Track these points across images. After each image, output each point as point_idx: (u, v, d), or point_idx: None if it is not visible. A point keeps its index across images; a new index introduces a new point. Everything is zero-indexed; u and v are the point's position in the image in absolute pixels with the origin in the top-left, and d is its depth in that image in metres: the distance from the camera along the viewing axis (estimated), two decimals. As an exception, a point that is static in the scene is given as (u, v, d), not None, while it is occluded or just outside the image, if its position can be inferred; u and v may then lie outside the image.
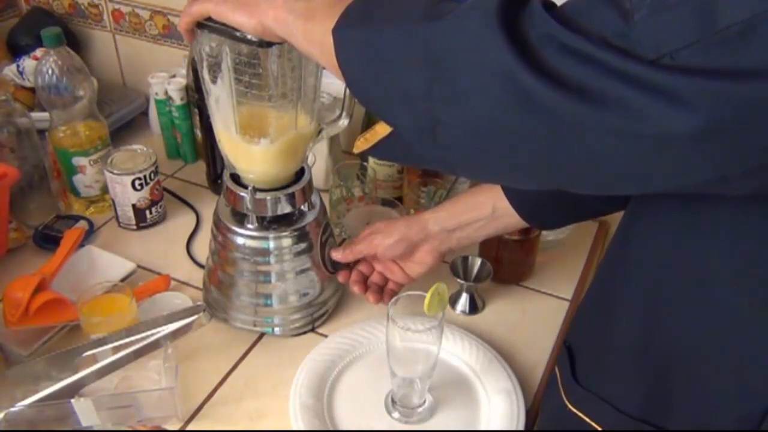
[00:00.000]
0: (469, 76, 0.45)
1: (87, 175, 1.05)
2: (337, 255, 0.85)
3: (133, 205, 1.02)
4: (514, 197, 0.78)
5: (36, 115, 1.05)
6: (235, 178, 0.81)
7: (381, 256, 0.83)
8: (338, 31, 0.53)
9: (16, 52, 1.28)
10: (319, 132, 0.81)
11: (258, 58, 0.68)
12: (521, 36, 0.42)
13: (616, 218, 1.12)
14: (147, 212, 1.04)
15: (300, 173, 0.83)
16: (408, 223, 0.82)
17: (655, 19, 0.39)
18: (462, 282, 0.90)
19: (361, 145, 0.61)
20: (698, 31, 0.38)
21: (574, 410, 0.65)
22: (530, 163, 0.48)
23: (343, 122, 0.80)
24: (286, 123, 0.75)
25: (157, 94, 1.16)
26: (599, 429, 0.63)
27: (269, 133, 0.75)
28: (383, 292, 0.85)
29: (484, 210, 0.79)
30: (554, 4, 0.45)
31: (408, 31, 0.48)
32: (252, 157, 0.77)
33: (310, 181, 0.83)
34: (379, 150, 0.61)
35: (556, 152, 0.45)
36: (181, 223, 1.07)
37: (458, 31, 0.45)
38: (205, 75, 0.73)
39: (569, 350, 0.69)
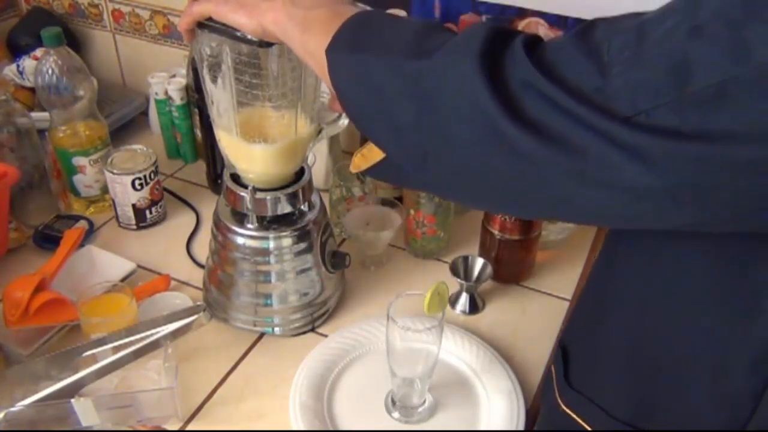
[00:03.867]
0: (454, 115, 0.46)
1: (87, 175, 1.05)
2: None
3: (133, 205, 1.02)
4: None
5: (36, 115, 1.05)
6: (235, 178, 0.81)
7: None
8: (331, 53, 0.54)
9: (16, 52, 1.28)
10: (319, 132, 0.81)
11: (258, 58, 0.68)
12: (503, 81, 0.44)
13: (616, 218, 1.12)
14: (147, 212, 1.04)
15: (300, 173, 0.83)
16: None
17: (630, 76, 0.40)
18: (462, 282, 0.90)
19: (358, 162, 0.62)
20: (672, 91, 0.39)
21: (567, 410, 0.66)
22: (513, 199, 0.50)
23: (343, 122, 0.80)
24: (287, 123, 0.75)
25: (157, 94, 1.16)
26: (590, 430, 0.63)
27: (269, 133, 0.75)
28: None
29: None
30: (537, 42, 0.46)
31: (397, 66, 0.49)
32: (252, 158, 0.77)
33: (310, 181, 0.83)
34: (374, 171, 0.61)
35: (538, 194, 0.47)
36: (181, 223, 1.07)
37: (444, 72, 0.47)
38: (206, 75, 0.73)
39: (564, 350, 0.69)
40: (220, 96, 0.73)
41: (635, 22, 0.42)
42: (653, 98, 0.39)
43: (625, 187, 0.42)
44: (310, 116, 0.77)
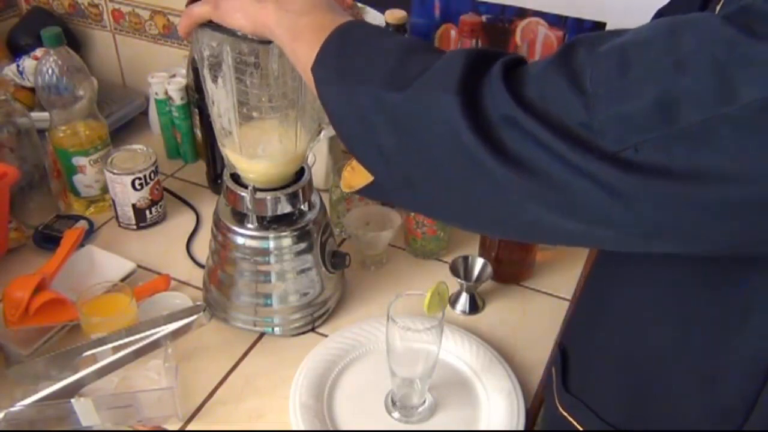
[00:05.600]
0: (435, 146, 0.47)
1: (87, 175, 1.05)
2: None
3: (133, 205, 1.02)
4: None
5: (36, 115, 1.05)
6: (235, 178, 0.81)
7: None
8: (317, 72, 0.55)
9: (16, 52, 1.28)
10: (320, 132, 0.81)
11: (259, 57, 0.68)
12: (483, 115, 0.44)
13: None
14: (147, 212, 1.04)
15: (300, 173, 0.83)
16: None
17: (616, 109, 0.40)
18: (462, 282, 0.90)
19: (349, 179, 0.62)
20: (660, 125, 0.38)
21: (564, 414, 0.66)
22: (495, 224, 0.51)
23: None
24: (288, 124, 0.75)
25: (157, 94, 1.16)
26: None
27: (270, 133, 0.75)
28: None
29: None
30: (517, 67, 0.45)
31: (378, 97, 0.50)
32: (253, 158, 0.77)
33: (310, 181, 0.83)
34: (364, 191, 0.61)
35: (520, 221, 0.47)
36: (181, 223, 1.07)
37: (422, 106, 0.47)
38: (206, 75, 0.73)
39: (563, 353, 0.69)
40: (220, 96, 0.73)
41: (616, 43, 0.42)
42: (640, 132, 0.39)
43: (608, 223, 0.42)
44: (311, 116, 0.77)
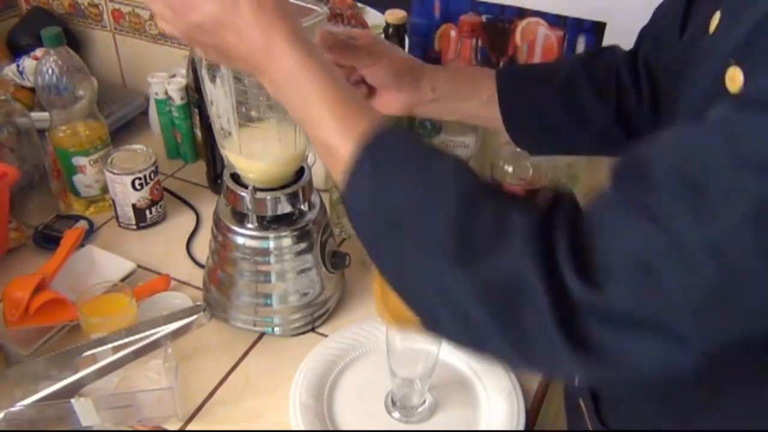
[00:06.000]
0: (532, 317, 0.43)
1: (87, 175, 1.05)
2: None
3: (133, 205, 1.02)
4: (505, 106, 0.76)
5: (36, 115, 1.05)
6: (235, 178, 0.81)
7: (362, 64, 0.74)
8: (349, 192, 0.50)
9: (16, 52, 1.28)
10: None
11: None
12: (567, 305, 0.41)
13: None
14: (147, 212, 1.04)
15: (300, 173, 0.83)
16: (412, 65, 0.76)
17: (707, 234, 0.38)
18: (462, 282, 0.90)
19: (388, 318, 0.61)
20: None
21: None
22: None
23: None
24: (286, 123, 0.75)
25: (157, 94, 1.16)
26: None
27: (269, 133, 0.75)
28: None
29: (481, 95, 0.76)
30: (581, 247, 0.42)
31: (440, 268, 0.45)
32: (252, 158, 0.77)
33: (310, 181, 0.83)
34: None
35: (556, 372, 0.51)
36: (181, 223, 1.07)
37: (503, 281, 0.43)
38: (204, 75, 0.73)
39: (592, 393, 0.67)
40: (219, 96, 0.73)
41: (664, 170, 0.40)
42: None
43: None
44: None
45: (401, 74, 0.75)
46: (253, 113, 0.74)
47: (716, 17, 0.52)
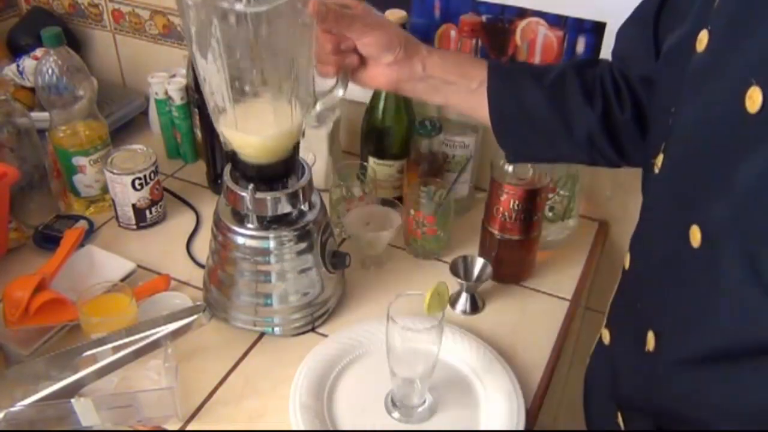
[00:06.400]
0: None
1: (87, 175, 1.05)
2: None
3: (133, 205, 1.02)
4: (493, 98, 0.76)
5: (36, 115, 1.05)
6: (236, 178, 0.81)
7: (355, 34, 0.74)
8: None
9: (16, 52, 1.28)
10: (315, 104, 0.79)
11: (249, 27, 0.66)
12: None
13: (616, 218, 1.12)
14: (147, 212, 1.04)
15: (299, 169, 0.82)
16: (406, 39, 0.76)
17: None
18: (462, 282, 0.90)
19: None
20: None
21: None
22: None
23: (338, 92, 0.79)
24: (281, 97, 0.74)
25: (157, 94, 1.16)
26: None
27: (264, 108, 0.73)
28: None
29: (470, 82, 0.77)
30: None
31: None
32: (248, 142, 0.76)
33: (310, 181, 0.83)
34: None
35: None
36: (181, 223, 1.07)
37: None
38: (195, 52, 0.70)
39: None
40: (211, 72, 0.71)
41: None
42: None
43: None
44: (305, 88, 0.75)
45: (393, 47, 0.75)
46: (247, 88, 0.73)
47: (704, 36, 0.53)
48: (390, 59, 0.75)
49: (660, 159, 0.60)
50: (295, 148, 0.81)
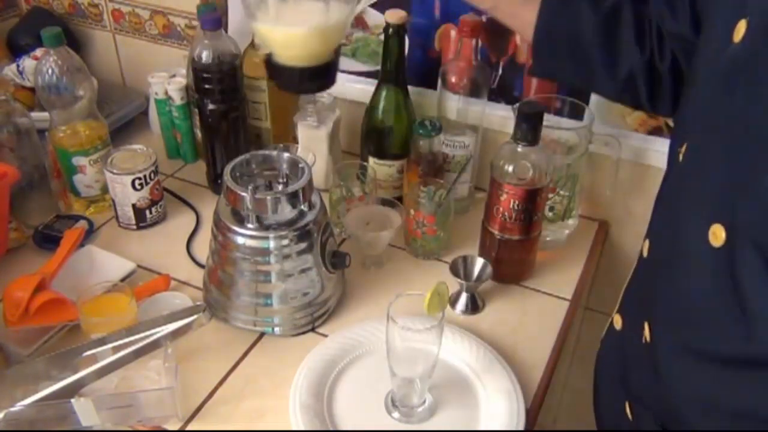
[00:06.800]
0: None
1: (87, 175, 1.05)
2: None
3: (133, 205, 1.02)
4: (544, 13, 0.75)
5: (36, 115, 1.05)
6: (236, 177, 0.81)
7: None
8: None
9: (16, 52, 1.28)
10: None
11: None
12: None
13: (616, 218, 1.12)
14: (147, 212, 1.04)
15: (334, 62, 0.74)
16: None
17: None
18: (462, 282, 0.90)
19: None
20: None
21: None
22: None
23: None
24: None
25: (157, 94, 1.16)
26: None
27: (308, 3, 0.68)
28: None
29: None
30: None
31: None
32: (291, 37, 0.70)
33: (310, 181, 0.83)
34: None
35: None
36: (181, 223, 1.07)
37: None
38: None
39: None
40: None
41: None
42: None
43: None
44: None
45: None
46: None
47: (741, 26, 0.51)
48: None
49: (684, 148, 0.59)
50: (337, 52, 0.74)
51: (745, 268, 0.50)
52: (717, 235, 0.52)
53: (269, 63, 0.72)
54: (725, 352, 0.53)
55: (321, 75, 0.71)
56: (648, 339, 0.62)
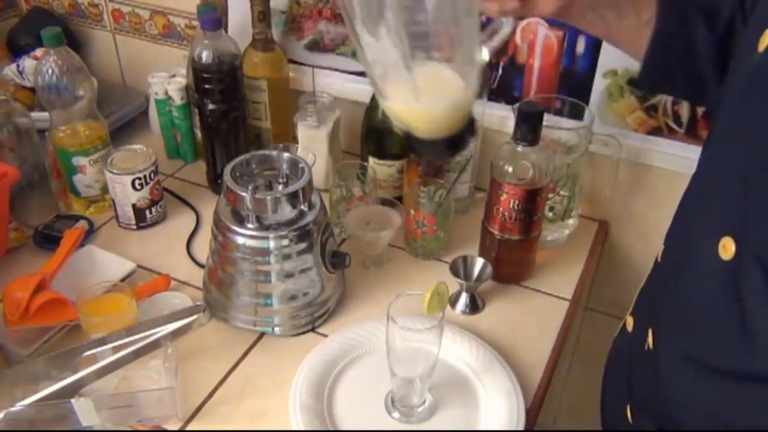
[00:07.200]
0: None
1: (87, 175, 1.05)
2: None
3: (133, 205, 1.02)
4: (658, 45, 0.69)
5: (36, 115, 1.05)
6: (236, 178, 0.81)
7: None
8: None
9: (16, 52, 1.28)
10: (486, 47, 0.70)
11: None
12: None
13: (616, 218, 1.12)
14: (147, 212, 1.04)
15: (469, 127, 0.71)
16: None
17: None
18: (462, 282, 0.90)
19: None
20: None
21: None
22: None
23: (506, 29, 0.68)
24: (464, 57, 0.65)
25: (157, 94, 1.16)
26: None
27: (439, 73, 0.65)
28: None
29: (641, 15, 0.68)
30: None
31: None
32: (431, 115, 0.67)
33: (310, 181, 0.83)
34: None
35: None
36: (181, 223, 1.07)
37: None
38: (361, 32, 0.61)
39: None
40: (381, 47, 0.62)
41: None
42: None
43: None
44: (474, 34, 0.66)
45: None
46: (420, 54, 0.63)
47: (766, 36, 0.50)
48: None
49: (704, 157, 0.59)
50: (468, 126, 0.70)
51: (749, 284, 0.49)
52: (727, 248, 0.51)
53: (408, 136, 0.69)
54: (726, 365, 0.53)
55: (463, 140, 0.69)
56: (651, 346, 0.62)
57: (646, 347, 0.63)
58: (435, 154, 0.70)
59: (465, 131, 0.68)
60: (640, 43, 0.69)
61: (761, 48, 0.51)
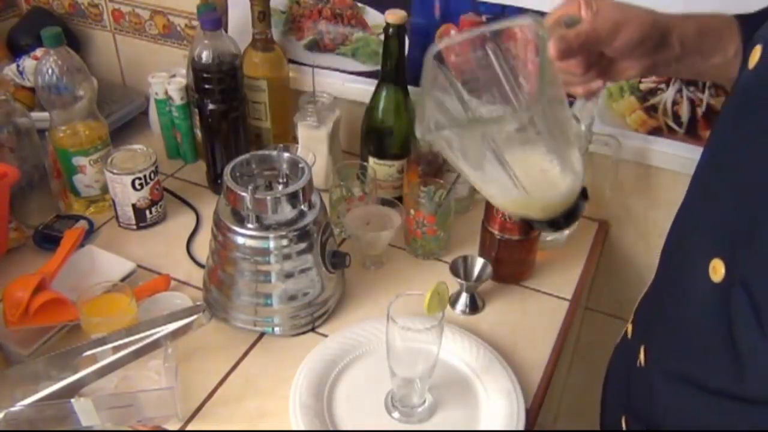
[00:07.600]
0: None
1: (87, 175, 1.05)
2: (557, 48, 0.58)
3: (133, 205, 1.02)
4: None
5: (36, 115, 1.05)
6: (236, 178, 0.80)
7: (602, 46, 0.62)
8: None
9: (16, 52, 1.28)
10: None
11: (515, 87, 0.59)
12: None
13: (616, 218, 1.12)
14: (147, 212, 1.04)
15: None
16: (654, 20, 0.62)
17: None
18: (462, 282, 0.90)
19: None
20: None
21: None
22: None
23: (594, 103, 0.69)
24: (557, 144, 0.61)
25: (157, 94, 1.16)
26: None
27: (542, 160, 0.61)
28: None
29: (727, 51, 0.64)
30: None
31: None
32: (545, 197, 0.64)
33: (310, 181, 0.83)
34: None
35: None
36: (181, 223, 1.07)
37: None
38: (470, 172, 0.60)
39: None
40: (490, 178, 0.61)
41: None
42: None
43: None
44: (568, 118, 0.65)
45: (645, 38, 0.62)
46: (522, 146, 0.58)
47: (756, 52, 0.50)
48: (642, 51, 0.63)
49: (699, 173, 0.58)
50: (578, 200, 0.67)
51: (737, 308, 0.49)
52: (717, 270, 0.51)
53: (526, 220, 0.68)
54: (715, 386, 0.53)
55: (578, 209, 0.67)
56: (643, 363, 0.62)
57: (638, 364, 0.63)
58: (554, 228, 0.69)
59: (578, 202, 0.66)
60: (733, 73, 0.66)
61: (751, 65, 0.50)
